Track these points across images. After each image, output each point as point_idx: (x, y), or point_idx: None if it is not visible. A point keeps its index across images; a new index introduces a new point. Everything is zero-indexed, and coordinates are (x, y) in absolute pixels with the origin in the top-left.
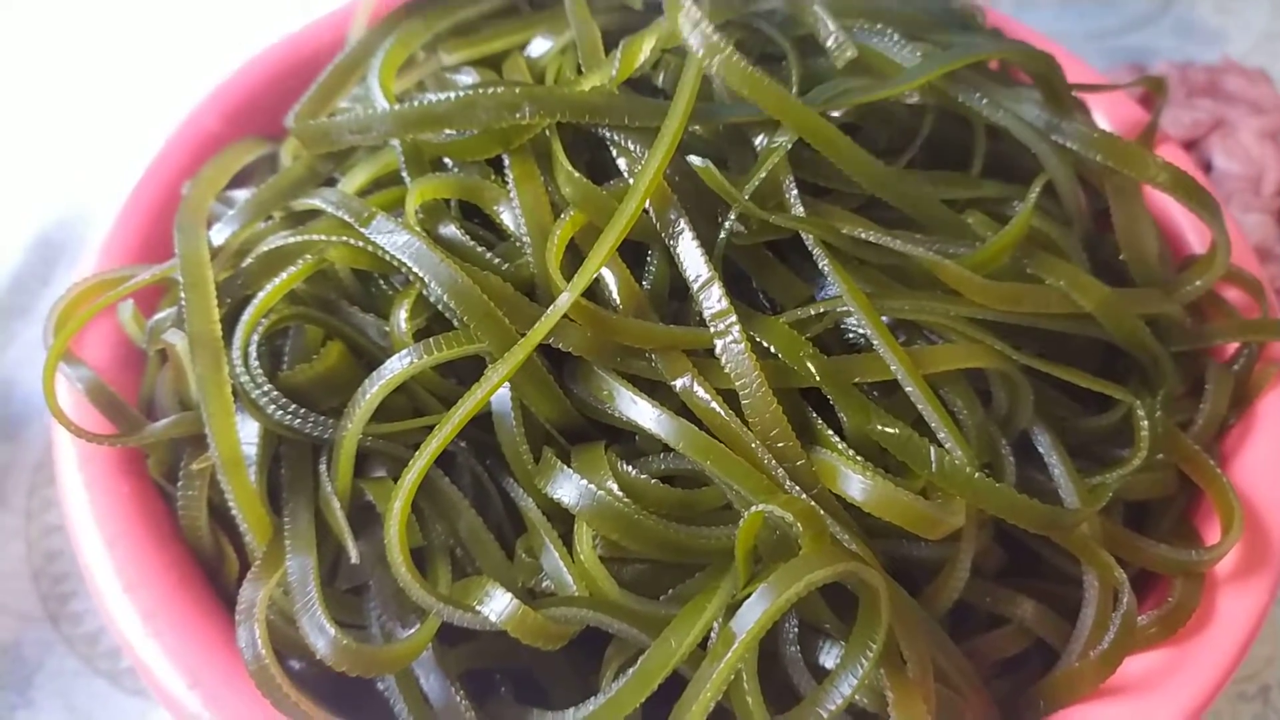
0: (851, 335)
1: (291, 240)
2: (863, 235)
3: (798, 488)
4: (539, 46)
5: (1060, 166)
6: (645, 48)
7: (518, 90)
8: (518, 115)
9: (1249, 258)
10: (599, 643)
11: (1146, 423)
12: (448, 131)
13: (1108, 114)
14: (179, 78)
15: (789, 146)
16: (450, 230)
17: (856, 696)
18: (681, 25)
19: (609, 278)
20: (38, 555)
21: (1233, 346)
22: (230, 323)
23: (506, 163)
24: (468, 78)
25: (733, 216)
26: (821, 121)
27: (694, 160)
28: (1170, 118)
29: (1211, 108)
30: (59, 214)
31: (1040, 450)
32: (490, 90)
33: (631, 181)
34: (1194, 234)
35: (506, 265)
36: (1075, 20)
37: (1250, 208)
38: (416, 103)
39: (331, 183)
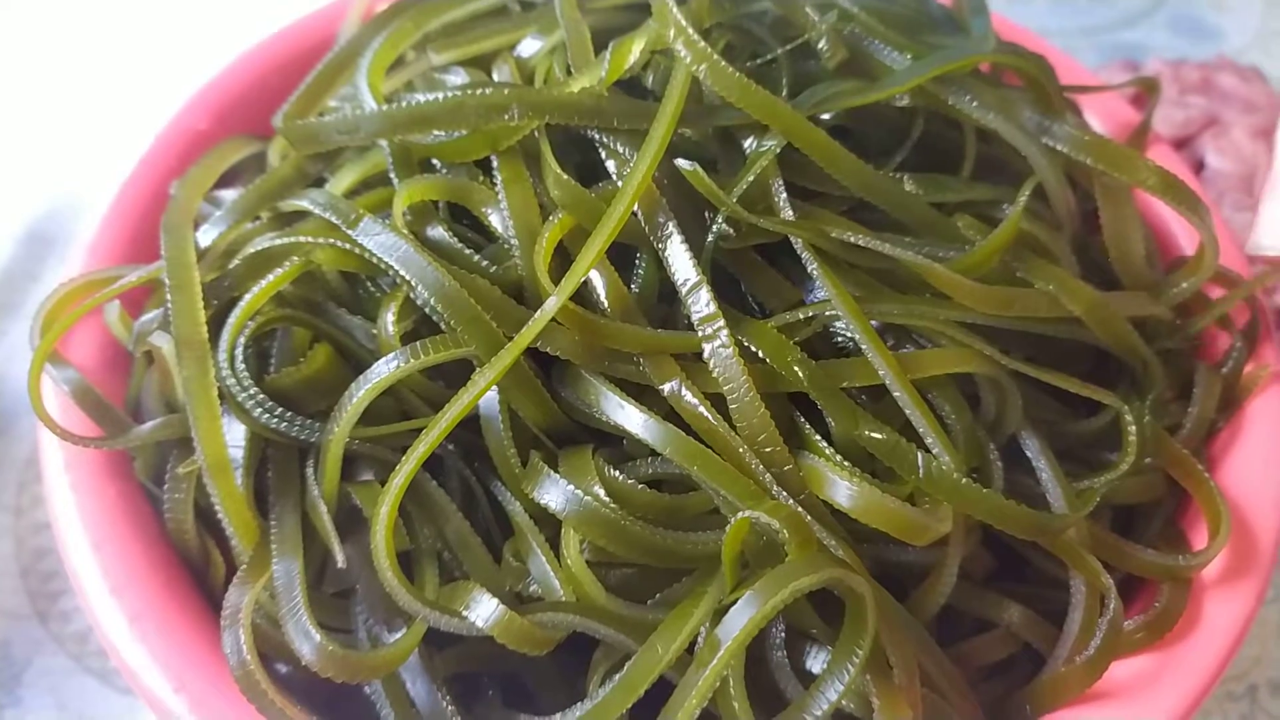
0: (840, 339)
1: (278, 242)
2: (851, 239)
3: (785, 493)
4: (529, 47)
5: (1050, 169)
6: (634, 49)
7: (506, 91)
8: (506, 116)
9: (1238, 259)
10: (586, 646)
11: (1134, 428)
12: (436, 133)
13: (1100, 114)
14: (167, 71)
15: (778, 150)
16: (438, 232)
17: (843, 702)
18: (668, 32)
19: (597, 281)
20: (26, 553)
21: (1222, 349)
22: (217, 324)
23: (495, 164)
24: (457, 78)
25: (720, 220)
26: (809, 126)
27: (682, 164)
28: (1163, 115)
29: (1204, 105)
30: (48, 208)
31: (1029, 455)
32: (479, 91)
33: (620, 184)
34: (1184, 234)
35: (494, 268)
36: (1069, 16)
37: (1242, 207)
38: (405, 103)
39: (320, 183)
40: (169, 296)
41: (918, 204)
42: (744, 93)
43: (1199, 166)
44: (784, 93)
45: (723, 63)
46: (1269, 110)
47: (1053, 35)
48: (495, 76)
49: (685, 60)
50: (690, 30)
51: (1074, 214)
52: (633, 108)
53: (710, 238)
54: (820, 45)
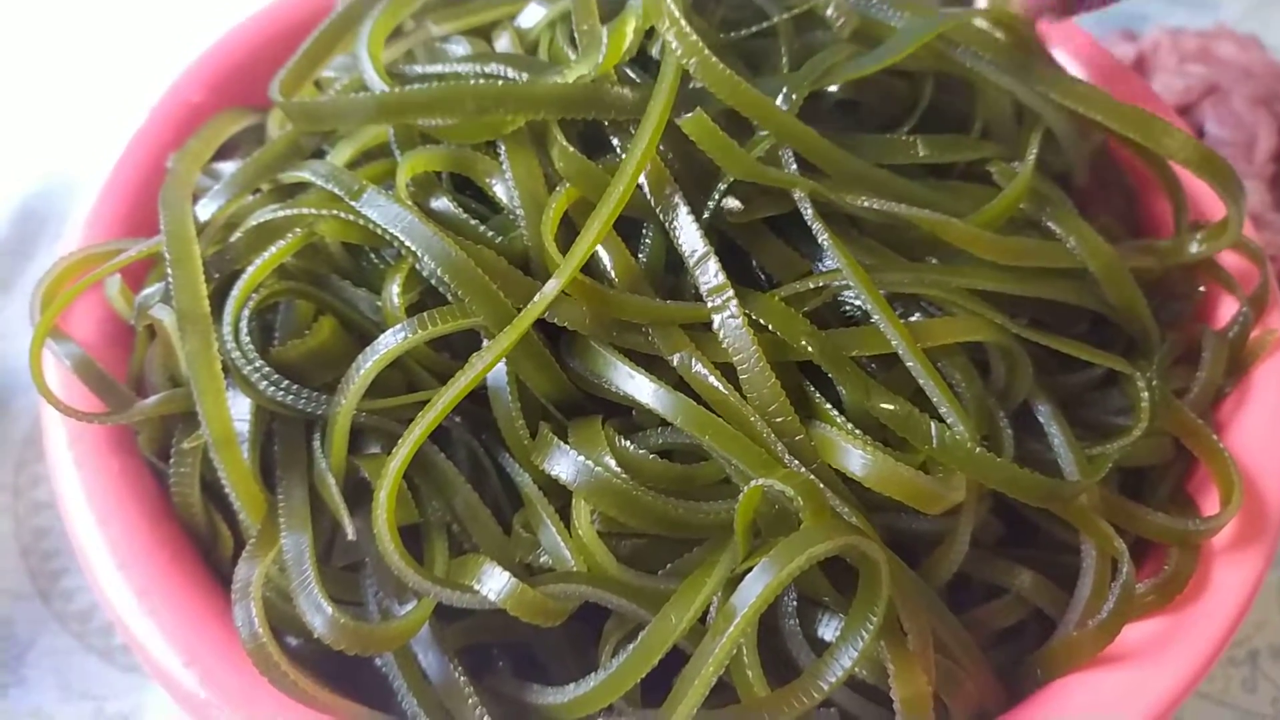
0: (848, 308)
1: (280, 214)
2: (865, 203)
3: (797, 462)
4: (531, 16)
5: (1065, 124)
6: (628, 31)
7: (500, 84)
8: (501, 110)
9: (1246, 226)
10: (598, 617)
11: (1146, 394)
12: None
13: (1100, 78)
14: (160, 46)
15: None
16: (442, 203)
17: (857, 669)
18: (660, 24)
19: (604, 253)
20: (26, 532)
21: (1228, 314)
22: (220, 298)
23: None
24: (458, 48)
25: (724, 185)
26: (799, 125)
27: (686, 118)
28: (1162, 84)
29: (1204, 74)
30: (41, 186)
31: (1040, 420)
32: (474, 82)
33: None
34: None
35: (500, 238)
36: None
37: (1242, 174)
38: (399, 90)
39: (320, 154)
40: (169, 271)
41: (914, 193)
42: (733, 90)
43: (1199, 134)
44: (783, 61)
45: (713, 59)
46: (1268, 78)
47: None
48: (496, 47)
49: (675, 53)
50: (683, 22)
51: (1085, 167)
52: (629, 99)
53: (712, 203)
54: (829, 12)
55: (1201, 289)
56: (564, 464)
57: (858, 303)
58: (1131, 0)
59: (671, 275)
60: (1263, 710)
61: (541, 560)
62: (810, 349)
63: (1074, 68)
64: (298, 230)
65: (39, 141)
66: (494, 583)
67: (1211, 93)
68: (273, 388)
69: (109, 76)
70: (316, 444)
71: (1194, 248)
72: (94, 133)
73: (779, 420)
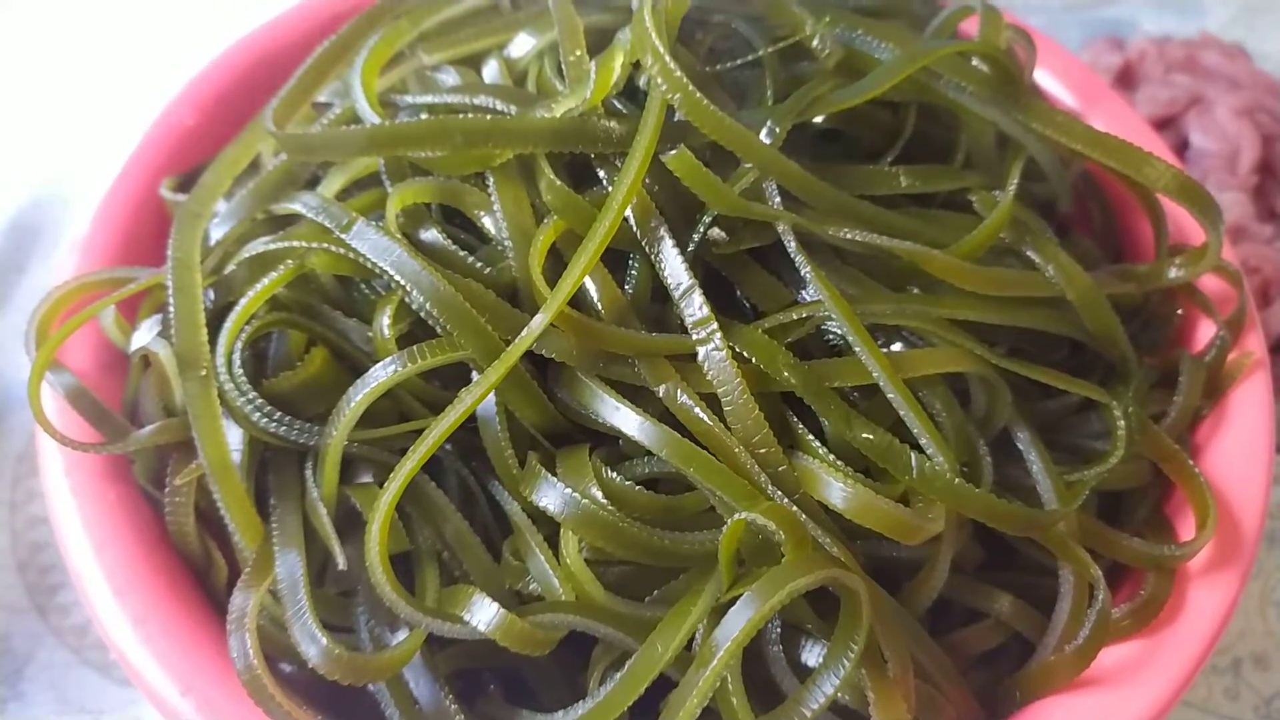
0: (831, 337)
1: (272, 246)
2: (846, 234)
3: (780, 493)
4: (520, 46)
5: (1052, 162)
6: (616, 66)
7: (489, 118)
8: (489, 143)
9: (1225, 248)
10: (587, 642)
11: (1123, 421)
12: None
13: (1084, 99)
14: (150, 59)
15: None
16: (431, 234)
17: (839, 695)
18: (645, 59)
19: (591, 285)
20: (23, 547)
21: (1206, 337)
22: (213, 329)
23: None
24: (449, 78)
25: (708, 218)
26: (782, 160)
27: (670, 155)
28: (1148, 95)
29: (1189, 84)
30: (33, 199)
31: (1020, 447)
32: (463, 116)
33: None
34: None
35: (488, 269)
36: None
37: (1226, 186)
38: (389, 123)
39: (314, 182)
40: (171, 300)
41: (896, 222)
42: (717, 125)
43: (1183, 145)
44: (768, 93)
45: (697, 94)
46: (1253, 88)
47: (1036, 11)
48: (485, 77)
49: (661, 89)
50: (667, 58)
51: (1070, 193)
52: (615, 133)
53: (697, 235)
54: (814, 43)
55: (1180, 312)
56: (551, 496)
57: (840, 332)
58: (1117, 6)
59: (657, 304)
60: (1245, 717)
61: (531, 588)
62: (792, 381)
63: (1056, 87)
64: (289, 262)
65: (31, 154)
66: (483, 614)
67: (1196, 103)
68: (265, 419)
69: (101, 88)
70: (309, 473)
71: (1173, 273)
72: (87, 145)
73: (762, 451)
